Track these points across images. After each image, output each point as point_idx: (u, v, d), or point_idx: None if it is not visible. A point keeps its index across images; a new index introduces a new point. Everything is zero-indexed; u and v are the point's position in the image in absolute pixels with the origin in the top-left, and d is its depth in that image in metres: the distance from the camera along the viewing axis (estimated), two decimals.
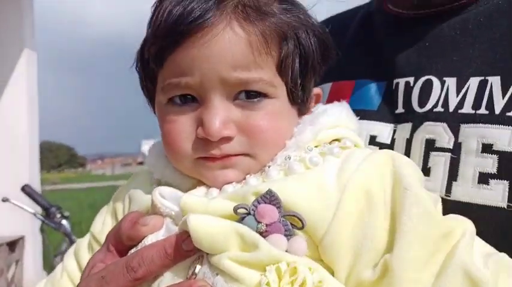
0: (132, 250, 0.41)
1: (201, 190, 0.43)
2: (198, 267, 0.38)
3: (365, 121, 0.50)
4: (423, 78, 0.46)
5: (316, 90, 0.50)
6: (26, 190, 2.52)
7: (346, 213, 0.37)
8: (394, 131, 0.49)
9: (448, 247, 0.36)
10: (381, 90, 0.52)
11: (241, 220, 0.37)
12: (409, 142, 0.47)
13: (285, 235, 0.37)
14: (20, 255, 3.77)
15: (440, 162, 0.43)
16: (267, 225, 0.36)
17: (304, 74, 0.45)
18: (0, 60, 3.91)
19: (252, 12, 0.40)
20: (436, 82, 0.46)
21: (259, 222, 0.36)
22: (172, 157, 0.44)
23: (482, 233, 0.38)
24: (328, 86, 0.58)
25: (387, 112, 0.50)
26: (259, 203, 0.37)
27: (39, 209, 2.54)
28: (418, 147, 0.46)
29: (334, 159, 0.42)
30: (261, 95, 0.42)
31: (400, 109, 0.49)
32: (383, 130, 0.49)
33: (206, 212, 0.38)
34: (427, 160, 0.45)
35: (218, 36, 0.38)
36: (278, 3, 0.44)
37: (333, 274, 0.38)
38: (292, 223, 0.37)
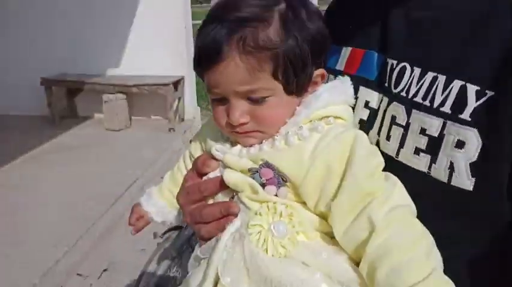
0: (204, 178, 0.65)
1: (238, 147, 0.62)
2: (235, 195, 0.60)
3: (364, 88, 0.63)
4: (401, 64, 0.57)
5: (320, 71, 0.60)
6: None
7: (311, 177, 0.55)
8: (381, 101, 0.60)
9: (367, 201, 0.51)
10: (379, 63, 0.62)
11: (252, 175, 0.57)
12: (384, 112, 0.59)
13: (277, 186, 0.56)
14: (181, 93, 4.53)
15: (396, 133, 0.56)
16: (266, 180, 0.56)
17: (295, 74, 0.56)
18: None
19: (249, 47, 0.54)
20: (408, 70, 0.56)
21: (261, 178, 0.56)
22: (219, 128, 0.63)
23: (410, 187, 0.51)
24: (348, 50, 0.68)
25: (379, 83, 0.61)
26: (262, 167, 0.57)
27: None
28: (388, 119, 0.58)
29: (317, 134, 0.56)
30: (264, 96, 0.58)
31: (386, 84, 0.59)
32: (374, 98, 0.62)
33: (236, 166, 0.59)
34: (390, 130, 0.57)
35: (226, 67, 0.55)
36: (277, 30, 0.55)
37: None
38: (282, 178, 0.56)
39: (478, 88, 0.48)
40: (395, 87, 0.57)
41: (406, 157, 0.55)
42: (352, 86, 0.62)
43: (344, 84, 0.62)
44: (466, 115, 0.48)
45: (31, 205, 2.78)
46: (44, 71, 4.34)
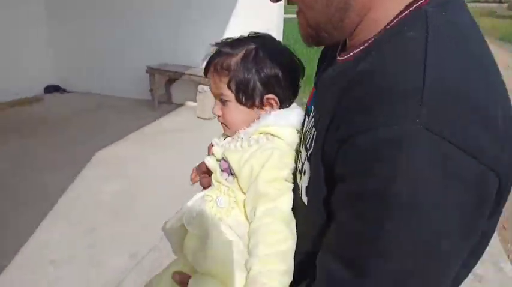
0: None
1: (223, 142, 0.84)
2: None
3: (307, 117, 0.72)
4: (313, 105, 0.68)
5: (269, 95, 0.81)
6: None
7: (243, 173, 0.75)
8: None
9: (259, 198, 0.71)
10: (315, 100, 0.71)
11: (218, 163, 0.81)
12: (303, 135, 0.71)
13: (228, 174, 0.78)
14: None
15: (302, 157, 0.66)
16: (223, 168, 0.79)
17: (242, 90, 0.80)
18: None
19: (218, 67, 0.80)
20: (313, 110, 0.66)
21: (221, 166, 0.79)
22: None
23: (295, 195, 0.69)
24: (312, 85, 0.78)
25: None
26: (222, 159, 0.79)
27: None
28: (303, 146, 0.68)
29: (256, 145, 0.77)
30: (226, 100, 0.82)
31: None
32: (308, 124, 0.71)
33: (216, 155, 0.82)
34: (300, 153, 0.69)
35: (210, 77, 0.82)
36: (238, 59, 0.79)
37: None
38: (231, 170, 0.77)
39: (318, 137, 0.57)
40: (310, 121, 0.67)
41: (297, 173, 0.68)
42: (303, 114, 0.78)
43: (291, 111, 0.81)
44: (309, 153, 0.60)
45: (141, 177, 3.24)
46: (150, 61, 4.88)
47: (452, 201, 0.41)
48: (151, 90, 4.92)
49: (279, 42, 0.86)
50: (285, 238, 0.67)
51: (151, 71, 4.85)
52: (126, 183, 3.12)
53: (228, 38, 0.84)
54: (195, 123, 4.60)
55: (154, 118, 4.60)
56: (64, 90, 5.53)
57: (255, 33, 0.85)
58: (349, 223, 0.46)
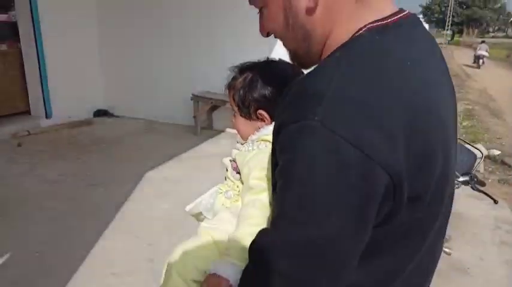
0: None
1: (240, 147, 1.02)
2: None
3: None
4: None
5: (260, 111, 1.00)
6: None
7: (244, 172, 0.92)
8: None
9: (248, 190, 0.90)
10: None
11: (230, 162, 1.00)
12: None
13: (236, 172, 0.97)
14: None
15: None
16: (233, 167, 0.98)
17: (240, 105, 1.00)
18: None
19: (229, 87, 1.03)
20: None
21: (232, 166, 0.98)
22: None
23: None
24: None
25: None
26: (233, 160, 0.99)
27: None
28: None
29: (258, 149, 0.94)
30: (235, 112, 1.03)
31: None
32: None
33: (232, 156, 1.01)
34: None
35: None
36: (240, 81, 1.01)
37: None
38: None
39: None
40: None
41: None
42: None
43: None
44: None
45: (188, 196, 3.35)
46: (194, 88, 5.14)
47: (337, 184, 0.50)
48: (194, 116, 5.16)
49: (285, 66, 0.99)
50: (257, 223, 0.84)
51: (196, 98, 5.11)
52: (175, 201, 3.27)
53: (245, 63, 1.05)
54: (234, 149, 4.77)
55: (197, 143, 4.81)
56: (112, 115, 5.87)
57: (268, 58, 1.06)
58: (275, 195, 0.59)
